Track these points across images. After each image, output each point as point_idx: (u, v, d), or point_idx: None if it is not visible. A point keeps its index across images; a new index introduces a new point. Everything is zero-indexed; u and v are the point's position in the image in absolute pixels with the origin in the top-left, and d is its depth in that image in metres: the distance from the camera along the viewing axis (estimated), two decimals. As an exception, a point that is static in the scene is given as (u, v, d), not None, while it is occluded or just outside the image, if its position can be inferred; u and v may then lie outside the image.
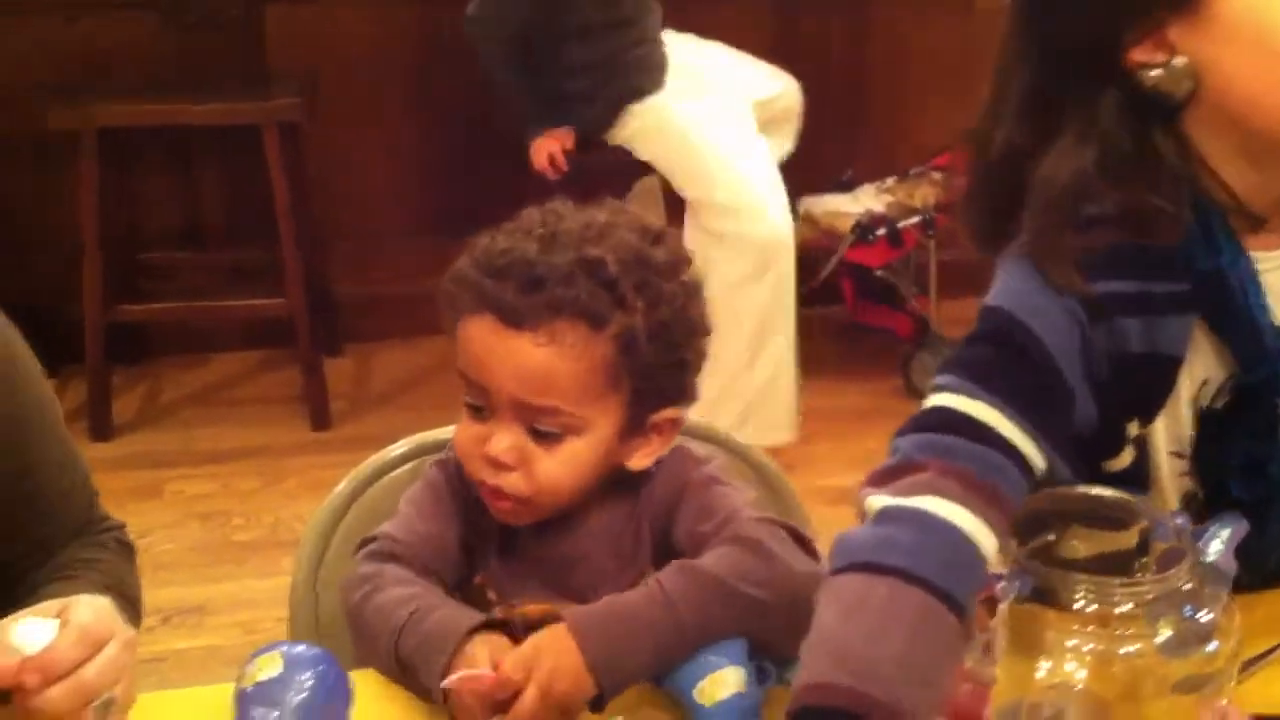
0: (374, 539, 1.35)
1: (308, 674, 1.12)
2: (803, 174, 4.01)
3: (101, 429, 3.57)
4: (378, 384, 3.91)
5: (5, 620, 1.10)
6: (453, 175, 4.01)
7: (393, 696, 1.23)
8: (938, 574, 1.00)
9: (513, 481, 1.27)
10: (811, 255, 3.80)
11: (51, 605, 1.12)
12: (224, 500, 3.33)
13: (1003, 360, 1.13)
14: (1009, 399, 1.10)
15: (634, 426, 1.30)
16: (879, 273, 3.84)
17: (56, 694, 1.07)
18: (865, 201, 3.79)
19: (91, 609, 1.12)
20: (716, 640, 1.18)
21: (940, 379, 1.13)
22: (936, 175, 3.83)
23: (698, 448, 1.42)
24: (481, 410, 1.29)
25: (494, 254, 1.27)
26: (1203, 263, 1.14)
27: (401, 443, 1.56)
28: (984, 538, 1.03)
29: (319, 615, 1.48)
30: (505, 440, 1.26)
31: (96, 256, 3.48)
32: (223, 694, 1.16)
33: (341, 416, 3.70)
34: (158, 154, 3.85)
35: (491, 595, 1.34)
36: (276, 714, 1.09)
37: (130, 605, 1.32)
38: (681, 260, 1.32)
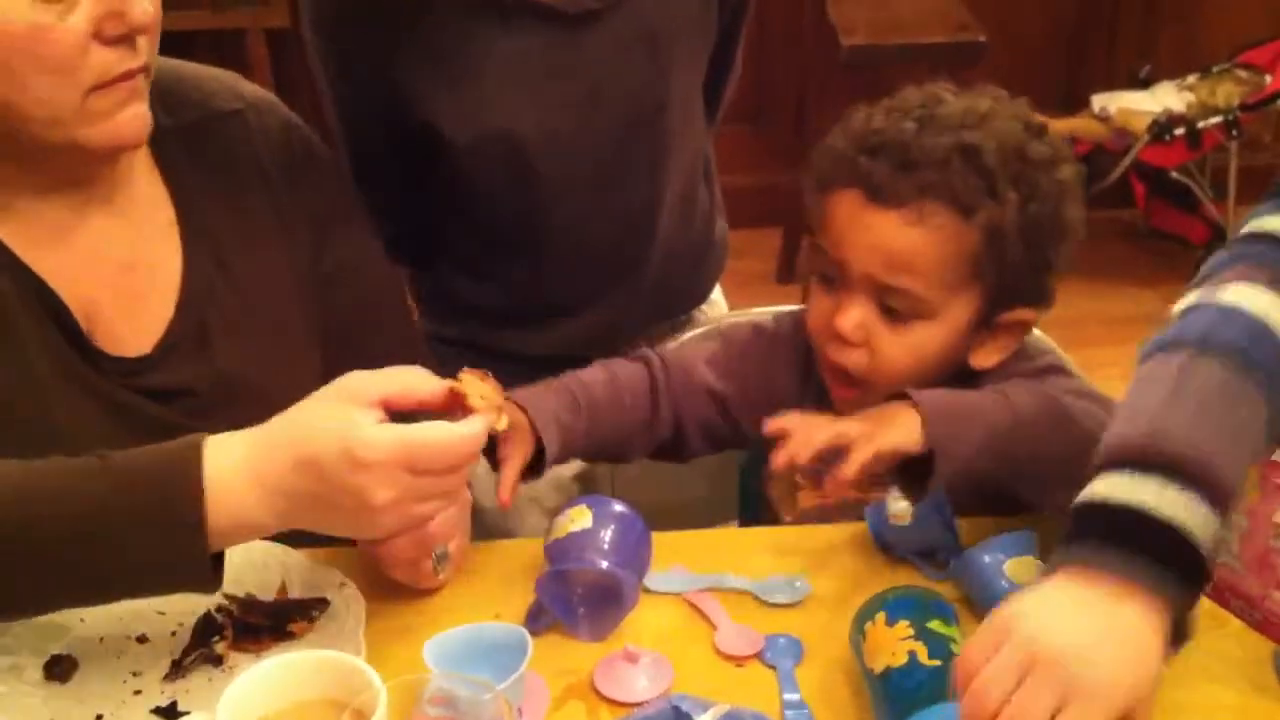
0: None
1: (615, 527, 1.20)
2: (1095, 69, 3.87)
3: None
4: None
5: None
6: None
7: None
8: (1233, 341, 0.98)
9: (856, 359, 1.28)
10: (1103, 154, 3.68)
11: None
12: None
13: None
14: None
15: (984, 322, 1.28)
16: (1174, 174, 3.68)
17: (402, 542, 1.18)
18: (1164, 99, 3.62)
19: None
20: (1035, 456, 1.19)
21: (1260, 207, 1.10)
22: (1243, 73, 3.64)
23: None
24: (834, 281, 1.29)
25: (869, 132, 1.26)
26: None
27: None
28: None
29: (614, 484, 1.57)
30: (855, 315, 1.26)
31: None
32: (533, 546, 1.25)
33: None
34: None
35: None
36: (594, 560, 1.17)
37: None
38: (1062, 157, 1.28)
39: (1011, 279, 1.25)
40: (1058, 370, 1.32)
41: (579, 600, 1.20)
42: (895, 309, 1.25)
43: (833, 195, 1.27)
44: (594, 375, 1.37)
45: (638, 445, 1.39)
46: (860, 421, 1.18)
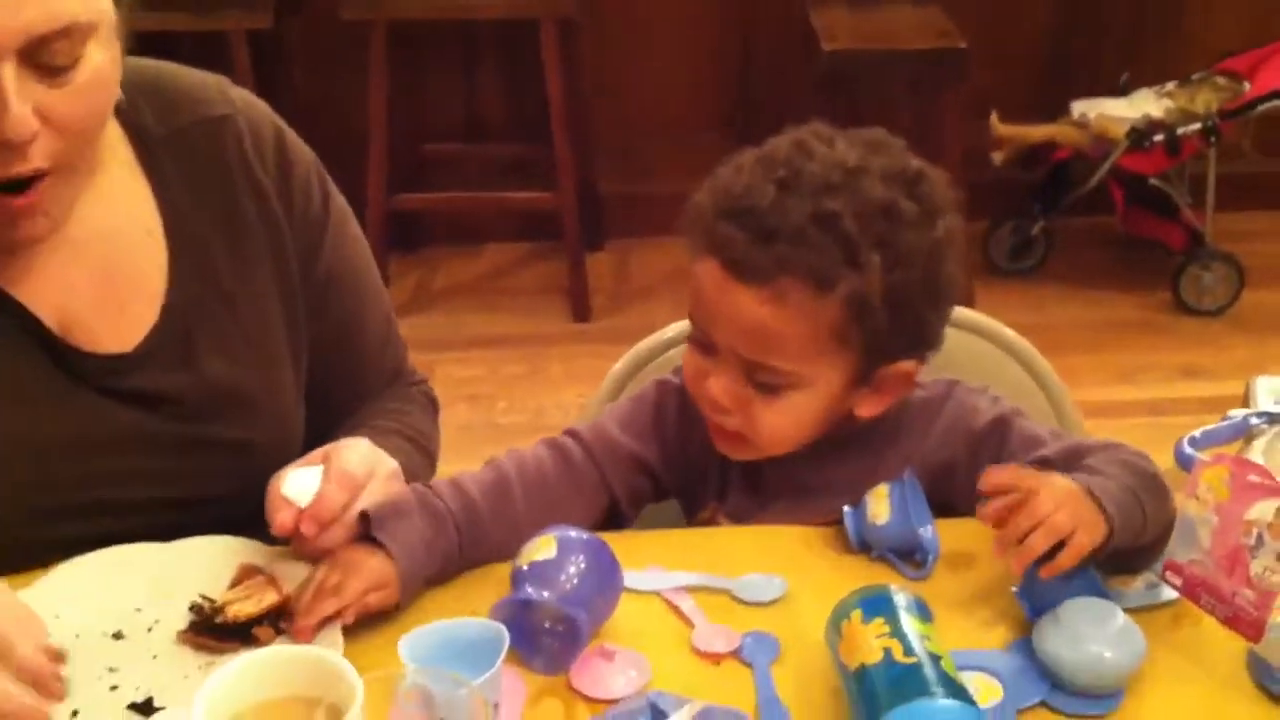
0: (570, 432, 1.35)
1: (581, 558, 1.16)
2: (1077, 76, 3.89)
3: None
4: (636, 279, 4.00)
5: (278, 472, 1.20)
6: (724, 71, 4.03)
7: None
8: None
9: (732, 422, 1.26)
10: (1082, 161, 3.69)
11: (316, 453, 1.22)
12: (490, 385, 3.48)
13: None
14: None
15: (862, 379, 1.25)
16: (1153, 181, 3.70)
17: (330, 536, 1.18)
18: (1143, 106, 3.64)
19: (353, 452, 1.21)
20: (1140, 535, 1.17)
21: None
22: (1221, 80, 3.66)
23: (972, 344, 1.41)
24: (706, 347, 1.26)
25: (733, 193, 1.21)
26: None
27: (672, 327, 1.61)
28: None
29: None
30: (723, 383, 1.24)
31: (381, 146, 3.64)
32: (498, 571, 1.23)
33: (600, 310, 3.81)
34: (441, 49, 3.98)
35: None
36: (548, 594, 1.13)
37: (428, 458, 1.41)
38: (938, 210, 1.22)
39: (882, 342, 1.22)
40: (1020, 414, 1.31)
41: (538, 629, 1.17)
42: (765, 382, 1.23)
43: (697, 260, 1.24)
44: (483, 480, 1.28)
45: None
46: (1060, 508, 1.12)
